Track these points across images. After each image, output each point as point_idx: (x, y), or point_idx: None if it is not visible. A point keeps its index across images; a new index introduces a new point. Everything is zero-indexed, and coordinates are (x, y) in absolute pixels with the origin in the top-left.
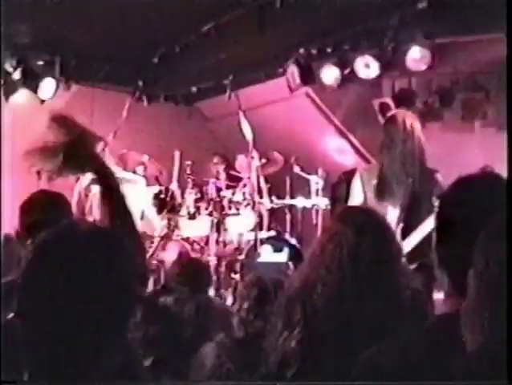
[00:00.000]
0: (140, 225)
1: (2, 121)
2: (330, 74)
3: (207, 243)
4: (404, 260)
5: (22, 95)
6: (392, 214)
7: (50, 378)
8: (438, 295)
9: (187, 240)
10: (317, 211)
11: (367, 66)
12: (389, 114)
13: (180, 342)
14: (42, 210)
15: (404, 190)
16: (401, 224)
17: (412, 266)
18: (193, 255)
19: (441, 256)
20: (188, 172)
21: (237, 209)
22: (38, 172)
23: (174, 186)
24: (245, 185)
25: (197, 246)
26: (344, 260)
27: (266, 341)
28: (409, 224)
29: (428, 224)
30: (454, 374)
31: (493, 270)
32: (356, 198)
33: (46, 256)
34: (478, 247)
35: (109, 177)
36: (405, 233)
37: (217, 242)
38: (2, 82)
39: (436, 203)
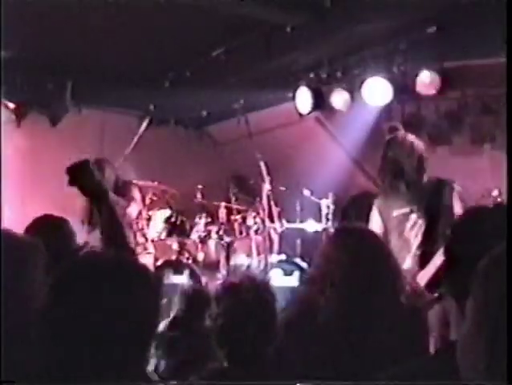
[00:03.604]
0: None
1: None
2: (339, 98)
3: (217, 266)
4: (404, 279)
5: (33, 119)
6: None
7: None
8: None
9: (197, 263)
10: (328, 234)
11: (376, 91)
12: (389, 136)
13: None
14: (44, 236)
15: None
16: (420, 251)
17: (433, 296)
18: (203, 279)
19: (452, 285)
20: (199, 195)
21: (248, 233)
22: None
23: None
24: (255, 209)
25: (207, 270)
26: (341, 283)
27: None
28: (429, 248)
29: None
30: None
31: (491, 302)
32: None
33: (67, 285)
34: (477, 277)
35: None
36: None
37: (228, 266)
38: (15, 106)
39: (448, 232)
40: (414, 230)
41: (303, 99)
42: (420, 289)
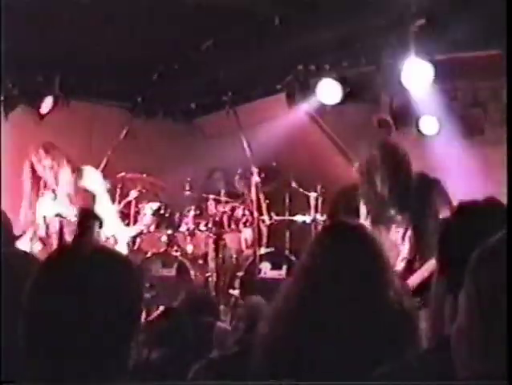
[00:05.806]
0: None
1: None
2: (328, 90)
3: (206, 259)
4: (394, 275)
5: (21, 111)
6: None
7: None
8: None
9: (186, 256)
10: (316, 227)
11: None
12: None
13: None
14: None
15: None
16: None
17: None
18: (192, 271)
19: (446, 280)
20: (188, 188)
21: (237, 226)
22: None
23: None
24: (244, 201)
25: (196, 262)
26: (329, 274)
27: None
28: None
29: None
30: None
31: (483, 294)
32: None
33: (51, 275)
34: (469, 271)
35: None
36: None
37: (217, 258)
38: (2, 98)
39: (441, 229)
40: (400, 233)
41: (292, 91)
42: (409, 289)
